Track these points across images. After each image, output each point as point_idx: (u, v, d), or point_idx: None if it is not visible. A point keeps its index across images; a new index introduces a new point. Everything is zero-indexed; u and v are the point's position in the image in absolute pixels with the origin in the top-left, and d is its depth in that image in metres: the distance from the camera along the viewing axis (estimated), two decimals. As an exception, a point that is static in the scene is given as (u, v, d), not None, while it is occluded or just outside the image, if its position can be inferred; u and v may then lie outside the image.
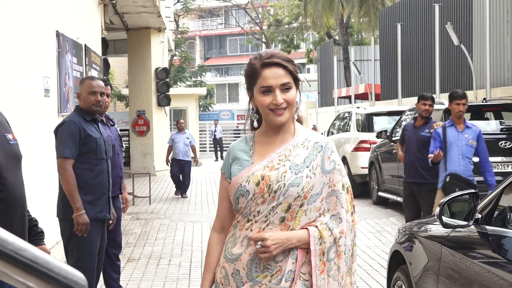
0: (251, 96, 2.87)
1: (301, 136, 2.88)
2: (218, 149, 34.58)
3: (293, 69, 2.80)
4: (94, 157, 5.68)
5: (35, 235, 3.60)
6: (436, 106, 11.91)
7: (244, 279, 2.79)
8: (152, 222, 12.63)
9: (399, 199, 12.73)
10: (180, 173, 16.61)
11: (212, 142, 36.66)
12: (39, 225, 3.67)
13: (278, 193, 2.75)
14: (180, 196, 16.58)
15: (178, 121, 17.14)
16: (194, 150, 16.87)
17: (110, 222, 6.15)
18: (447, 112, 11.22)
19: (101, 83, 5.85)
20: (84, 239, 5.58)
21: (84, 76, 11.29)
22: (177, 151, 16.54)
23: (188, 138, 16.65)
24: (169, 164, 16.97)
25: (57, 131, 5.67)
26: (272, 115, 2.78)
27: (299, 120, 2.97)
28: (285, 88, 2.76)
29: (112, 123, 7.13)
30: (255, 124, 2.94)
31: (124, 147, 12.64)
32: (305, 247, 2.75)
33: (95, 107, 5.72)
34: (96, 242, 5.71)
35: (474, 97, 16.29)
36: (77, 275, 1.27)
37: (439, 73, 17.96)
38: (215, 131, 35.21)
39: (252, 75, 2.81)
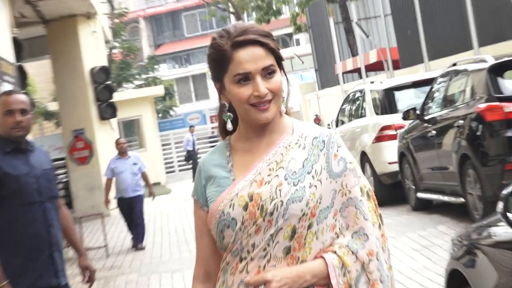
0: (221, 89, 2.87)
1: (294, 133, 2.88)
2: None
3: (275, 47, 2.81)
4: (18, 201, 5.56)
5: None
6: (477, 66, 11.94)
7: None
8: (114, 280, 12.57)
9: (446, 198, 12.73)
10: (131, 214, 15.85)
11: (185, 158, 36.68)
12: None
13: (275, 215, 2.74)
14: (134, 247, 15.79)
15: (117, 141, 16.24)
16: (146, 178, 16.19)
17: (85, 278, 6.02)
18: (492, 71, 11.23)
19: (21, 97, 5.72)
20: None
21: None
22: (123, 186, 15.64)
23: (136, 164, 15.89)
24: (108, 207, 16.39)
25: None
26: (254, 112, 2.78)
27: (288, 114, 2.96)
28: (267, 72, 2.77)
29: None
30: (229, 126, 2.91)
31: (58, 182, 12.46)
32: (324, 282, 2.74)
33: (16, 131, 5.60)
34: None
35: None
36: None
37: (474, 21, 17.96)
38: (192, 141, 35.30)
39: (220, 60, 2.81)
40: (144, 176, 16.09)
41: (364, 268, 2.75)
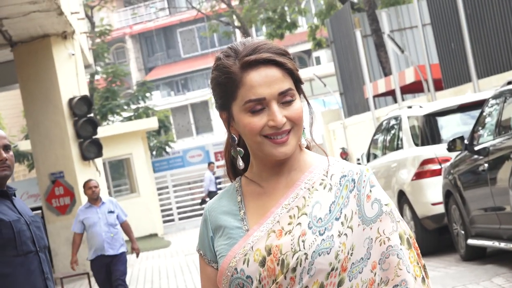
0: (228, 120, 2.84)
1: (318, 170, 2.86)
2: None
3: (293, 67, 2.79)
4: (13, 252, 5.72)
5: None
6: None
7: None
8: None
9: (503, 245, 12.72)
10: (110, 277, 14.55)
11: (202, 201, 36.71)
12: None
13: (298, 270, 2.72)
14: None
15: (85, 184, 14.98)
16: (127, 230, 15.12)
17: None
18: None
19: (1, 132, 5.96)
20: None
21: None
22: (98, 242, 14.40)
23: (112, 212, 14.65)
24: (74, 269, 15.14)
25: None
26: (270, 145, 2.75)
27: (309, 148, 2.95)
28: (285, 98, 2.75)
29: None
30: (240, 164, 2.90)
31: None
32: None
33: (2, 170, 5.83)
34: None
35: None
36: None
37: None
38: (213, 180, 35.54)
39: (227, 84, 2.79)
40: (126, 227, 15.01)
41: None
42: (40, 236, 5.91)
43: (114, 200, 15.50)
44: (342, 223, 2.75)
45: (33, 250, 5.81)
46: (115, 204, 14.86)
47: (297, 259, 2.71)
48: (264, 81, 2.72)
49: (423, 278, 2.80)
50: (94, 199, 14.53)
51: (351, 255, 2.73)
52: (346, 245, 2.73)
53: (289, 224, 2.77)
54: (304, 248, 2.71)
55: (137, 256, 15.51)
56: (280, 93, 2.73)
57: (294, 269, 2.71)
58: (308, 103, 2.86)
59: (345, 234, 2.74)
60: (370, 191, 2.81)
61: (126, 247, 14.83)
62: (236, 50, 2.78)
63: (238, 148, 2.89)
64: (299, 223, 2.76)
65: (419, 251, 2.85)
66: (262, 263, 2.75)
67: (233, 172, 2.97)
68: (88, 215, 14.47)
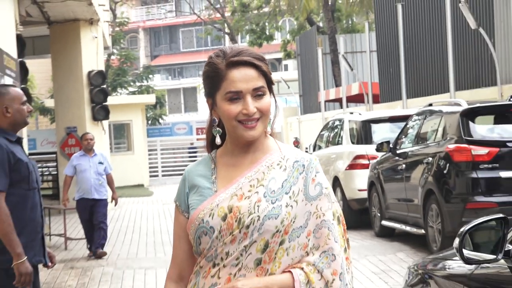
0: (212, 105, 2.89)
1: (277, 154, 2.90)
2: None
3: (267, 70, 2.84)
4: (26, 186, 5.74)
5: None
6: (451, 108, 12.04)
7: None
8: (91, 271, 12.56)
9: (408, 228, 12.80)
10: (92, 217, 13.93)
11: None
12: None
13: (251, 228, 2.76)
14: (93, 255, 13.87)
15: (84, 136, 14.21)
16: (111, 181, 14.14)
17: (49, 265, 6.13)
18: (464, 115, 11.32)
19: (20, 91, 5.99)
20: None
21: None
22: (86, 186, 13.74)
23: (102, 163, 13.94)
24: (67, 204, 14.47)
25: None
26: (242, 129, 2.80)
27: (272, 135, 2.98)
28: (257, 93, 2.80)
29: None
30: (218, 140, 2.94)
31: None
32: None
33: (27, 119, 5.90)
34: None
35: (499, 94, 16.45)
36: None
37: (453, 66, 18.06)
38: None
39: (214, 77, 2.83)
40: (109, 179, 14.05)
41: (328, 286, 2.77)
42: (38, 177, 5.93)
43: (104, 154, 14.76)
44: (290, 197, 2.81)
45: (36, 187, 5.84)
46: (104, 158, 14.18)
47: (251, 219, 2.76)
48: (243, 78, 2.78)
49: (345, 248, 2.88)
50: (89, 150, 13.84)
51: (293, 222, 2.79)
52: (290, 214, 2.78)
53: (249, 191, 2.82)
54: (258, 211, 2.77)
55: (115, 204, 14.44)
56: (254, 89, 2.79)
57: (247, 227, 2.76)
58: (275, 100, 2.91)
59: (291, 206, 2.79)
60: (315, 175, 2.87)
61: (107, 195, 14.10)
62: (224, 52, 2.84)
63: (218, 128, 2.92)
64: (257, 192, 2.81)
65: (346, 227, 2.92)
66: (224, 218, 2.79)
67: (211, 146, 2.99)
68: (81, 162, 13.81)
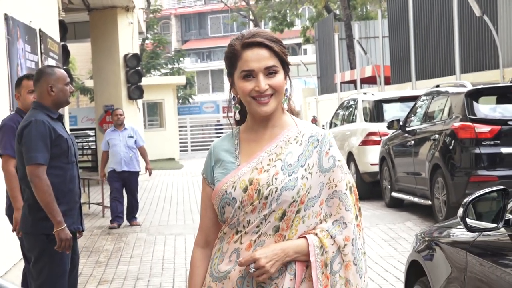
0: (232, 83, 2.88)
1: (294, 129, 2.89)
2: None
3: (279, 50, 2.82)
4: (65, 160, 5.79)
5: None
6: (456, 89, 11.96)
7: (235, 300, 2.77)
8: (126, 236, 12.61)
9: (416, 200, 12.76)
10: (124, 189, 13.65)
11: None
12: None
13: (269, 199, 2.76)
14: (116, 227, 13.42)
15: (114, 112, 13.85)
16: (143, 153, 13.66)
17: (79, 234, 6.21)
18: (469, 96, 11.27)
19: (64, 73, 6.02)
20: (56, 257, 5.67)
21: (40, 66, 11.26)
22: (117, 159, 13.43)
23: (132, 137, 13.45)
24: (104, 179, 14.38)
25: (21, 133, 5.67)
26: (255, 104, 2.80)
27: (292, 112, 2.96)
28: (269, 72, 2.79)
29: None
30: (237, 116, 2.95)
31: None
32: (304, 259, 2.76)
33: (69, 98, 5.96)
34: (67, 260, 5.80)
35: (501, 77, 16.34)
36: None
37: (459, 50, 17.96)
38: None
39: (232, 57, 2.84)
40: (142, 151, 13.61)
41: (340, 251, 2.77)
42: (76, 152, 5.98)
43: (135, 128, 14.11)
44: (305, 169, 2.79)
45: (74, 161, 5.88)
46: (135, 131, 13.68)
47: (269, 190, 2.76)
48: (255, 57, 2.78)
49: (356, 216, 2.86)
50: (119, 125, 13.51)
51: (308, 193, 2.78)
52: (306, 185, 2.77)
53: (268, 165, 2.81)
54: (275, 183, 2.76)
55: (150, 174, 13.99)
56: (266, 68, 2.78)
57: (266, 197, 2.76)
58: (289, 80, 2.89)
59: (306, 178, 2.78)
60: (329, 149, 2.85)
61: (139, 168, 13.71)
62: (242, 35, 2.85)
63: (237, 105, 2.93)
64: (275, 165, 2.80)
65: (358, 196, 2.90)
66: (245, 190, 2.79)
67: (236, 122, 2.99)
68: (112, 136, 13.57)
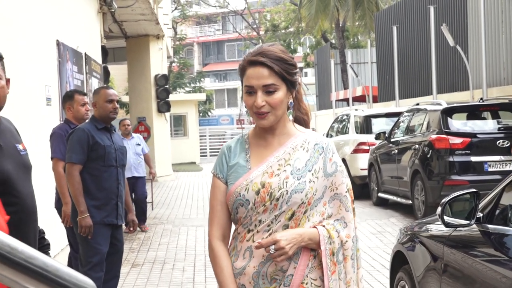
0: (242, 95, 2.75)
1: (300, 137, 2.76)
2: None
3: (279, 70, 2.62)
4: (102, 163, 5.85)
5: (42, 247, 3.52)
6: (433, 107, 11.94)
7: (252, 293, 2.66)
8: (155, 227, 12.61)
9: (399, 199, 12.73)
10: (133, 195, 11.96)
11: None
12: (45, 237, 3.61)
13: (280, 200, 2.63)
14: (142, 229, 12.19)
15: (121, 122, 12.58)
16: (148, 160, 12.57)
17: (130, 229, 6.32)
18: (444, 113, 11.25)
19: (115, 92, 6.10)
20: (92, 242, 5.79)
21: (85, 84, 11.32)
22: (127, 165, 11.25)
23: (139, 145, 12.45)
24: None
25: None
26: (256, 117, 2.66)
27: (305, 122, 2.86)
28: (268, 90, 2.61)
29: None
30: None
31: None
32: (315, 247, 2.65)
33: (112, 114, 5.96)
34: (103, 245, 5.85)
35: (471, 97, 16.30)
36: (87, 281, 1.27)
37: (436, 74, 17.97)
38: None
39: (240, 72, 2.71)
40: (147, 158, 12.54)
41: (342, 245, 2.68)
42: (121, 158, 5.99)
43: (141, 136, 13.05)
44: (312, 174, 2.69)
45: (114, 165, 5.91)
46: (141, 139, 12.71)
47: (281, 193, 2.64)
48: (256, 75, 2.61)
49: (353, 215, 2.80)
50: (126, 134, 12.32)
51: (314, 195, 2.67)
52: (313, 188, 2.67)
53: (278, 169, 2.69)
54: (286, 186, 2.65)
55: (153, 178, 13.04)
56: (264, 85, 2.61)
57: (277, 199, 2.64)
58: (292, 97, 2.72)
59: (313, 181, 2.68)
60: (332, 156, 2.76)
61: (145, 173, 12.52)
62: (250, 52, 2.69)
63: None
64: (285, 170, 2.68)
65: (353, 198, 2.82)
66: (257, 192, 2.66)
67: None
68: None
